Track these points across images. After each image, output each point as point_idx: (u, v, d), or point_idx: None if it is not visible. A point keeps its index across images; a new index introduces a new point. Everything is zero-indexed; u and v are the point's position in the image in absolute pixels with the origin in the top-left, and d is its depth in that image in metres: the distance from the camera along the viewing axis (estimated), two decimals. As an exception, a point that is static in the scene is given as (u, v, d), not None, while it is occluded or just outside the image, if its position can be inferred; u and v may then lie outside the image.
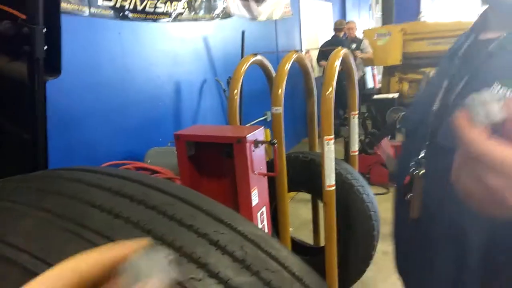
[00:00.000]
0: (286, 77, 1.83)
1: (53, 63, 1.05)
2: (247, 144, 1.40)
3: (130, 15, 2.77)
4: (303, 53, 5.33)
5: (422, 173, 0.62)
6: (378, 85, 7.47)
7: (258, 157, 1.53)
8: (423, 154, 0.62)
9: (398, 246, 0.80)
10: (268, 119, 4.62)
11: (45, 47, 0.99)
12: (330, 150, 1.75)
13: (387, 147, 3.16)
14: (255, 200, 1.55)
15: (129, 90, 2.90)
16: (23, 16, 1.00)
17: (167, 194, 0.53)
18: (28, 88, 1.02)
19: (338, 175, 1.95)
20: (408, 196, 0.64)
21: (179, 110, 3.51)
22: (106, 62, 2.73)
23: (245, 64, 1.96)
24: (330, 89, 1.72)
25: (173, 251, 0.41)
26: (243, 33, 3.86)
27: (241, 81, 1.95)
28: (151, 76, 3.12)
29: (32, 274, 0.37)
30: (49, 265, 0.38)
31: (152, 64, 3.13)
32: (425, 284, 0.69)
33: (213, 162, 1.58)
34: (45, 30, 0.99)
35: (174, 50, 3.36)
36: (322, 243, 2.44)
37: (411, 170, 0.63)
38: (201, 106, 3.77)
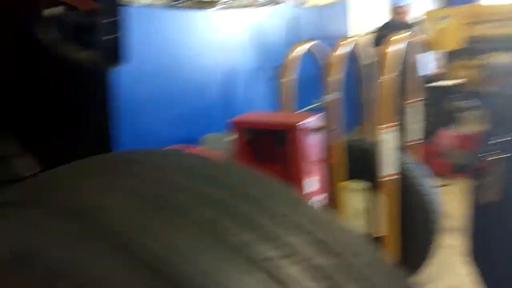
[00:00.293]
0: (343, 62, 1.77)
1: (114, 52, 1.09)
2: (300, 132, 1.38)
3: (181, 4, 2.82)
4: (353, 39, 5.16)
5: (506, 156, 0.57)
6: (436, 71, 7.06)
7: (312, 144, 1.50)
8: (509, 138, 0.57)
9: (475, 230, 0.75)
10: (317, 108, 4.54)
11: (108, 37, 1.03)
12: (390, 138, 1.68)
13: (447, 137, 2.99)
14: (308, 188, 1.53)
15: (183, 78, 2.97)
16: (88, 6, 1.05)
17: (245, 175, 0.52)
18: (92, 76, 1.07)
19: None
20: (487, 180, 0.60)
21: (230, 98, 3.55)
22: (162, 51, 2.81)
23: (298, 50, 1.93)
24: (390, 74, 1.65)
25: (253, 231, 0.40)
26: (291, 20, 3.80)
27: (294, 67, 1.92)
28: (203, 65, 3.17)
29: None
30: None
31: (209, 52, 3.17)
32: (502, 266, 0.65)
33: (267, 149, 1.58)
34: (108, 19, 1.03)
35: (223, 39, 3.39)
36: (376, 234, 2.37)
37: (491, 153, 0.58)
38: (251, 94, 3.79)
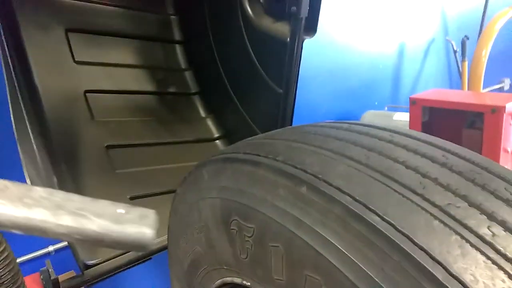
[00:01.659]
0: None
1: (310, 23, 1.12)
2: (505, 116, 1.19)
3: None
4: None
5: None
6: None
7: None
8: None
9: None
10: (506, 88, 3.87)
11: (308, 8, 1.05)
12: None
13: None
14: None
15: (350, 52, 2.89)
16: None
17: (469, 161, 0.48)
18: (288, 46, 1.12)
19: None
20: None
21: (399, 73, 3.31)
22: (329, 24, 2.76)
23: (501, 19, 1.64)
24: None
25: (496, 225, 0.37)
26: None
27: (493, 39, 1.65)
28: (373, 38, 3.02)
29: (354, 215, 0.40)
30: (370, 210, 0.39)
31: (374, 24, 3.00)
32: None
33: (452, 132, 1.42)
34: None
35: (399, 8, 3.13)
36: None
37: None
38: (425, 70, 3.45)
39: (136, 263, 0.98)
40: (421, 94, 1.53)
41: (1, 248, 0.54)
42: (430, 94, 1.53)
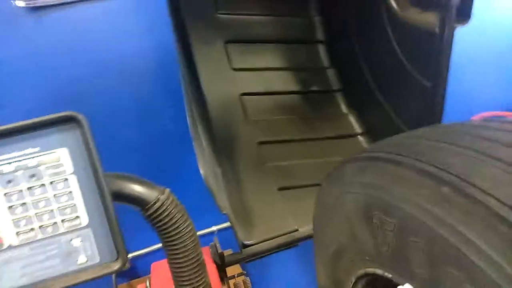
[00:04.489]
0: None
1: (463, 9, 1.04)
2: None
3: None
4: None
5: None
6: None
7: None
8: None
9: None
10: None
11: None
12: None
13: None
14: None
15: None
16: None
17: None
18: (438, 36, 1.06)
19: None
20: None
21: None
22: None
23: None
24: None
25: None
26: None
27: None
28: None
29: (498, 216, 0.40)
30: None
31: None
32: None
33: None
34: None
35: None
36: None
37: None
38: None
39: (285, 247, 1.10)
40: None
41: (188, 221, 0.70)
42: None
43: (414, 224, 0.50)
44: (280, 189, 1.29)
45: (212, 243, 1.07)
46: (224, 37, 1.49)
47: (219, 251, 1.04)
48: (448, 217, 0.45)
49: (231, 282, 1.34)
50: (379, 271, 0.64)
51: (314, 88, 1.58)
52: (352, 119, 1.52)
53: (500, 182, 0.43)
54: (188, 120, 1.11)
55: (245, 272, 1.49)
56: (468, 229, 0.42)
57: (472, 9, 1.03)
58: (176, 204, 0.67)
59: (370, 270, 0.67)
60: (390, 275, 0.61)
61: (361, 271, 0.70)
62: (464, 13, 1.03)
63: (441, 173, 0.48)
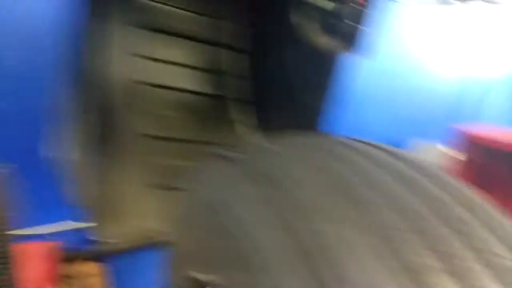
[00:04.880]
0: None
1: (351, 40, 1.10)
2: None
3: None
4: None
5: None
6: None
7: None
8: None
9: None
10: None
11: (361, 27, 1.03)
12: None
13: None
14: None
15: (413, 80, 2.76)
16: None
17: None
18: (329, 61, 1.11)
19: None
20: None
21: (454, 107, 3.11)
22: (408, 49, 2.66)
23: None
24: None
25: None
26: None
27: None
28: (436, 66, 2.86)
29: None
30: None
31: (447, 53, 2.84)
32: None
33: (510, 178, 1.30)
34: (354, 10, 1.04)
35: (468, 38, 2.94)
36: None
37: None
38: (483, 103, 3.21)
39: (141, 248, 1.03)
40: (469, 127, 1.42)
41: None
42: (481, 129, 1.40)
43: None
44: (153, 186, 1.22)
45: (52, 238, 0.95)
46: (138, 22, 1.40)
47: (61, 246, 0.92)
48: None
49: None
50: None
51: (211, 91, 1.56)
52: (238, 128, 1.52)
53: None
54: (66, 98, 0.98)
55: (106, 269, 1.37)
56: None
57: (359, 41, 1.10)
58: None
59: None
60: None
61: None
62: (352, 42, 1.10)
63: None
